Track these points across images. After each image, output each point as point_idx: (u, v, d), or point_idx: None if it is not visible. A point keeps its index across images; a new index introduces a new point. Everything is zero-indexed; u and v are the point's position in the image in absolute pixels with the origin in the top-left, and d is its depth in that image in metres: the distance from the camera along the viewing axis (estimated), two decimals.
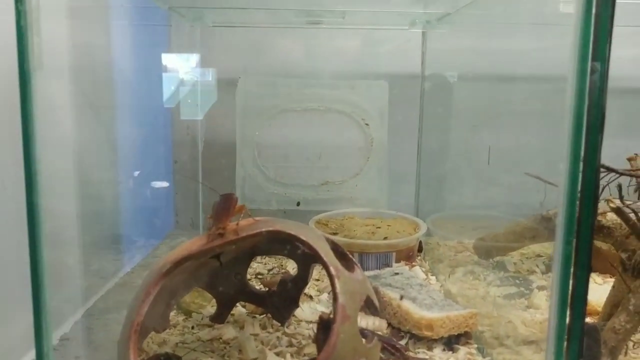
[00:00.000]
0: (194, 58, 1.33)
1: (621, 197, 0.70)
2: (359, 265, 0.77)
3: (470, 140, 1.31)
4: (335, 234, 1.20)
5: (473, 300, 1.00)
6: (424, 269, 1.14)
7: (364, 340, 0.70)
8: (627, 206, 0.69)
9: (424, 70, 1.35)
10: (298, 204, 1.37)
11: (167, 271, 0.70)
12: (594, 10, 0.55)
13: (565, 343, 0.60)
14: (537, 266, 1.15)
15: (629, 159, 0.81)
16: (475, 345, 0.84)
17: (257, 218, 0.77)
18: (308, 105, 1.34)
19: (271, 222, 0.75)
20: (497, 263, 1.16)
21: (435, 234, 1.30)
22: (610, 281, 0.89)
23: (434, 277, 1.12)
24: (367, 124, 1.35)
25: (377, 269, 1.11)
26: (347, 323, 0.65)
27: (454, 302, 0.91)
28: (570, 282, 0.61)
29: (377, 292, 0.94)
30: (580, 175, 0.61)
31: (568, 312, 0.59)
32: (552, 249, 1.30)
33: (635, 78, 1.40)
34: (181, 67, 1.36)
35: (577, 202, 0.63)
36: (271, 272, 1.14)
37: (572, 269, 0.61)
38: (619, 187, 0.69)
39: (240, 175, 1.36)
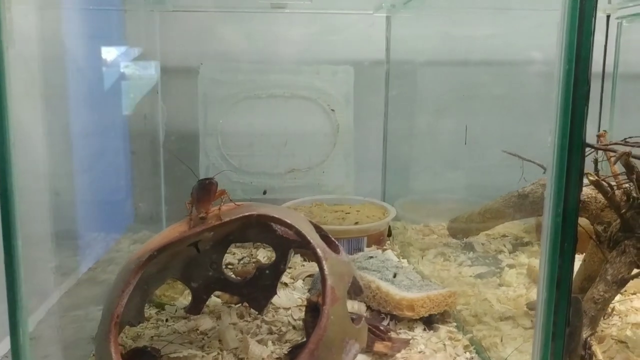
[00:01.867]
0: (151, 44, 1.28)
1: (597, 171, 0.72)
2: (341, 247, 0.76)
3: (434, 124, 1.33)
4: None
5: (447, 281, 1.01)
6: (395, 253, 1.15)
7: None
8: (603, 179, 0.71)
9: (389, 55, 1.35)
10: (264, 192, 1.35)
11: (147, 259, 0.66)
12: None
13: (552, 316, 0.61)
14: (504, 246, 1.17)
15: (599, 136, 0.83)
16: (455, 324, 0.85)
17: (239, 203, 0.75)
18: (272, 91, 1.32)
19: (254, 207, 0.73)
20: (466, 244, 1.18)
21: (403, 218, 1.31)
22: None
23: (405, 260, 1.12)
24: (332, 110, 1.34)
25: (349, 254, 1.11)
26: (337, 304, 0.64)
27: (430, 282, 0.92)
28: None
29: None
30: (567, 150, 0.62)
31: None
32: (516, 228, 1.33)
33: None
34: (137, 54, 1.31)
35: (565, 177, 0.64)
36: (242, 262, 1.11)
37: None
38: (595, 161, 0.70)
39: (204, 165, 1.32)
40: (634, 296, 0.95)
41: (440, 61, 1.32)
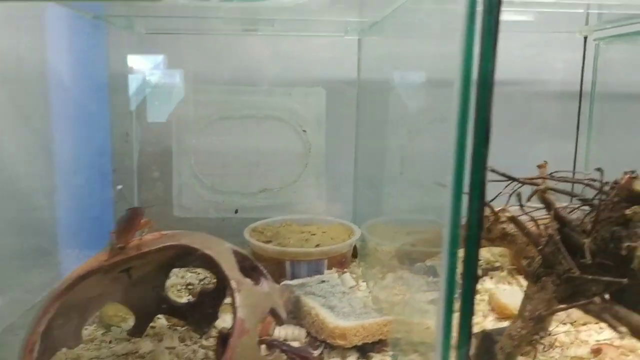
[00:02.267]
0: (131, 65, 1.31)
1: (521, 205, 0.71)
2: (269, 277, 0.77)
3: (405, 146, 1.33)
4: (269, 242, 1.20)
5: (397, 307, 1.01)
6: (354, 275, 1.15)
7: (266, 352, 0.70)
8: (527, 213, 0.71)
9: (360, 77, 1.35)
10: (236, 211, 1.37)
11: (66, 288, 0.69)
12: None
13: (453, 350, 0.61)
14: None
15: (539, 166, 0.83)
16: (391, 353, 0.85)
17: (165, 232, 0.77)
18: (245, 112, 1.34)
19: (178, 236, 0.75)
20: (429, 268, 1.17)
21: (370, 240, 1.31)
22: None
23: (364, 283, 1.13)
24: (304, 131, 1.35)
25: (308, 276, 1.12)
26: (245, 337, 0.65)
27: (373, 309, 0.92)
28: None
29: (298, 301, 0.94)
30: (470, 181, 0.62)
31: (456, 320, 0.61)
32: (491, 252, 1.31)
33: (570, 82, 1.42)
34: (118, 74, 1.34)
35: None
36: (202, 283, 1.13)
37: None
38: (518, 195, 0.70)
39: (177, 184, 1.35)
40: (583, 327, 0.94)
41: (403, 82, 1.33)
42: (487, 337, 0.70)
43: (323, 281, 1.02)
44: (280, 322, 0.73)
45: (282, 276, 1.12)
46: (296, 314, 0.94)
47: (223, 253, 0.72)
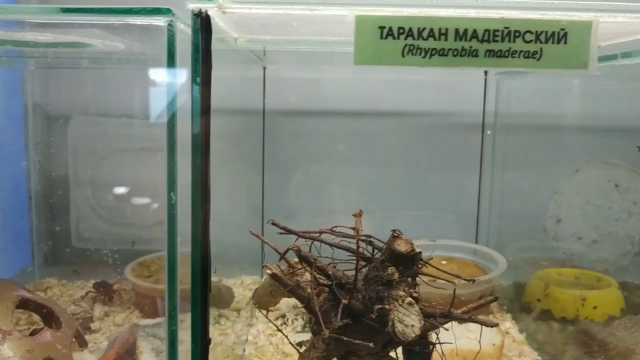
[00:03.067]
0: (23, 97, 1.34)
1: (311, 263, 0.70)
2: (64, 323, 0.77)
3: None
4: (150, 276, 1.20)
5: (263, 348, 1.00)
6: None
7: None
8: (295, 270, 0.69)
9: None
10: (133, 243, 1.37)
11: None
12: None
13: None
14: None
15: (354, 215, 0.80)
16: None
17: None
18: (142, 144, 1.35)
19: None
20: None
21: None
22: None
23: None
24: None
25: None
26: None
27: None
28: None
29: (133, 343, 0.94)
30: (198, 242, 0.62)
31: None
32: None
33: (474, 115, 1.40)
34: (24, 106, 1.37)
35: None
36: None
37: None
38: (297, 250, 0.68)
39: (74, 216, 1.36)
40: None
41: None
42: None
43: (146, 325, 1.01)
44: None
45: (156, 313, 1.12)
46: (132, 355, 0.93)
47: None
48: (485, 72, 1.34)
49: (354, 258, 0.68)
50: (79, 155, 1.34)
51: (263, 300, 0.91)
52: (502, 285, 1.33)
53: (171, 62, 0.54)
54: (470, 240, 1.39)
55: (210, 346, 1.04)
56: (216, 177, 1.21)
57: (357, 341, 0.63)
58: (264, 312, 1.07)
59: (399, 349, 0.73)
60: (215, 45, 0.83)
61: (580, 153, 1.35)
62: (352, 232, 0.72)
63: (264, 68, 1.32)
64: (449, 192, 1.40)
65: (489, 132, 1.37)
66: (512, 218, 1.36)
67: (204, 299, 0.61)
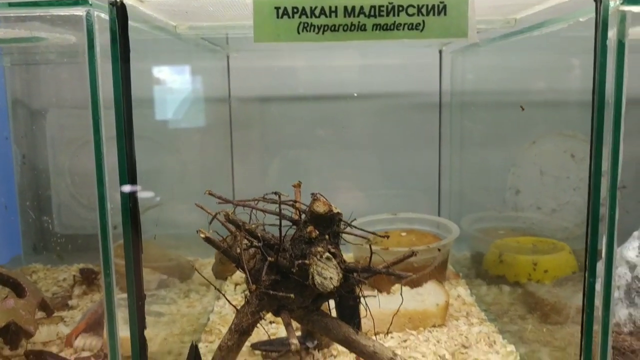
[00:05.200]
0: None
1: (239, 226, 0.76)
2: (28, 293, 0.84)
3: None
4: None
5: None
6: None
7: None
8: (233, 233, 0.76)
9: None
10: (115, 227, 1.44)
11: None
12: None
13: None
14: None
15: (294, 186, 0.87)
16: None
17: None
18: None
19: None
20: None
21: None
22: None
23: None
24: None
25: None
26: None
27: None
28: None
29: (102, 314, 1.01)
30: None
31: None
32: None
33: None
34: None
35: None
36: None
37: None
38: (226, 216, 0.75)
39: (56, 203, 1.43)
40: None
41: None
42: (191, 348, 0.76)
43: None
44: (25, 334, 0.80)
45: None
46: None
47: None
48: (440, 52, 1.39)
49: (283, 221, 0.74)
50: (57, 146, 1.41)
51: (218, 270, 0.98)
52: (465, 256, 1.40)
53: (91, 51, 0.60)
54: (433, 214, 1.44)
55: (177, 316, 1.11)
56: (187, 164, 1.28)
57: (281, 294, 0.70)
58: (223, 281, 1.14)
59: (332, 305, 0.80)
60: (158, 34, 0.90)
61: (537, 126, 1.39)
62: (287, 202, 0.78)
63: (228, 56, 1.39)
64: (411, 169, 1.46)
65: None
66: (472, 191, 1.42)
67: (136, 260, 0.69)
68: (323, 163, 1.46)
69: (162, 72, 1.08)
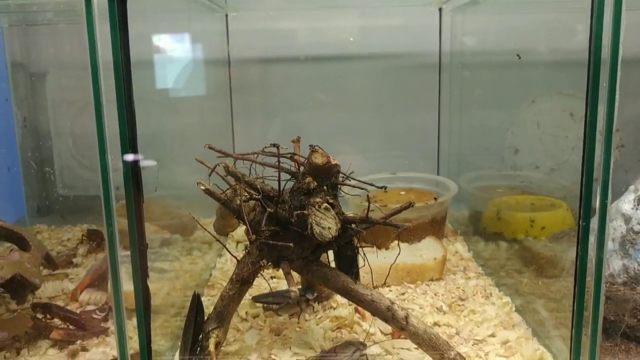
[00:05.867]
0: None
1: (238, 178, 0.77)
2: (32, 247, 0.86)
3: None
4: None
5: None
6: None
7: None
8: (232, 186, 0.77)
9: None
10: (117, 188, 1.45)
11: None
12: None
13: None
14: None
15: (293, 141, 0.88)
16: None
17: None
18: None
19: None
20: None
21: None
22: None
23: None
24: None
25: None
26: None
27: None
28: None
29: (106, 269, 1.03)
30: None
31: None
32: None
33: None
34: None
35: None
36: None
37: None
38: (226, 168, 0.76)
39: (58, 165, 1.45)
40: None
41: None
42: (194, 297, 0.77)
43: None
44: (31, 286, 0.82)
45: None
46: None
47: None
48: (440, 10, 1.38)
49: (284, 174, 0.75)
50: (58, 109, 1.42)
51: (219, 225, 1.00)
52: (464, 214, 1.41)
53: (89, 8, 0.61)
54: (432, 174, 1.45)
55: (180, 272, 1.13)
56: (187, 126, 1.28)
57: (280, 243, 0.72)
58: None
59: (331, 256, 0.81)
60: None
61: (536, 86, 1.39)
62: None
63: (227, 15, 1.38)
64: (410, 130, 1.46)
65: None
66: (471, 151, 1.43)
67: (138, 209, 0.70)
68: (324, 124, 1.46)
69: (160, 31, 1.08)
